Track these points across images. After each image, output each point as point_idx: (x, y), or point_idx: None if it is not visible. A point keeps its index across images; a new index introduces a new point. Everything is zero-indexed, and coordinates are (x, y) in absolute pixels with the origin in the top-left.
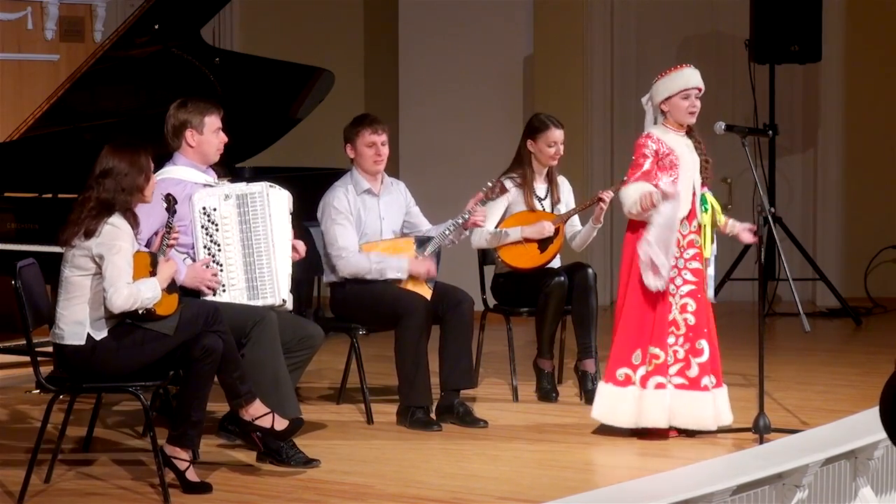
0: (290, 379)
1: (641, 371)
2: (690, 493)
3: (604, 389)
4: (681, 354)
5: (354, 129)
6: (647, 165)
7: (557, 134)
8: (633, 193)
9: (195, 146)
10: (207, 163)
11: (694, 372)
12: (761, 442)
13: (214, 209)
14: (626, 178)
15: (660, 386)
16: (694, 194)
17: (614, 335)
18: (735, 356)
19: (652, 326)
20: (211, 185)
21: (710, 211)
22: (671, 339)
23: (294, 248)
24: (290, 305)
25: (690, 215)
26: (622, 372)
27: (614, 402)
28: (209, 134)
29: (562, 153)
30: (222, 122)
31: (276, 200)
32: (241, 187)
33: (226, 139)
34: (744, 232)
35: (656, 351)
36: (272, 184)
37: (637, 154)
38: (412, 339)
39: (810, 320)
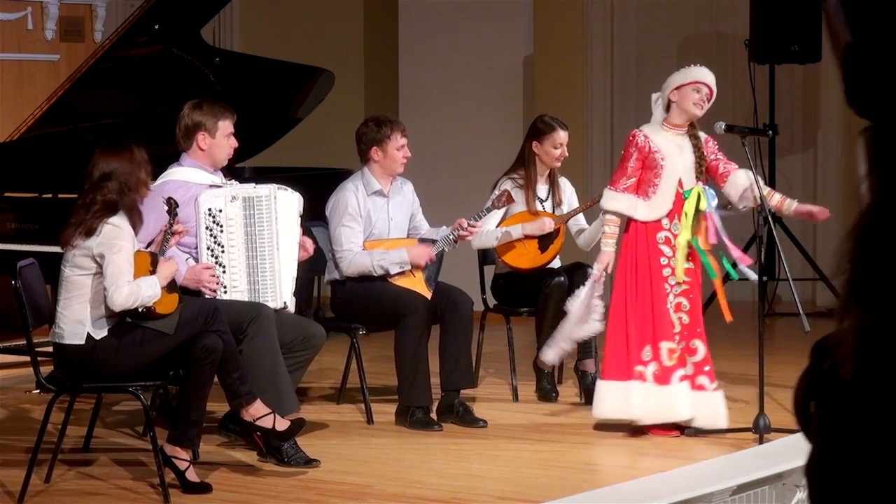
0: (288, 374)
1: (652, 367)
2: (690, 493)
3: (614, 386)
4: (676, 353)
5: (383, 131)
6: (632, 163)
7: (563, 135)
8: (621, 203)
9: (206, 149)
10: (216, 166)
11: (689, 371)
12: (761, 442)
13: (220, 210)
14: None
15: (684, 378)
16: (682, 194)
17: (608, 333)
18: (735, 356)
19: (653, 322)
20: (218, 186)
21: (691, 199)
22: None
23: (302, 247)
24: (291, 308)
25: (679, 214)
26: (632, 369)
27: (623, 399)
28: (221, 138)
29: (567, 154)
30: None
31: (284, 203)
32: (249, 189)
33: (236, 144)
34: (816, 211)
35: (671, 345)
36: (282, 186)
37: (624, 151)
38: (412, 339)
39: (810, 320)
